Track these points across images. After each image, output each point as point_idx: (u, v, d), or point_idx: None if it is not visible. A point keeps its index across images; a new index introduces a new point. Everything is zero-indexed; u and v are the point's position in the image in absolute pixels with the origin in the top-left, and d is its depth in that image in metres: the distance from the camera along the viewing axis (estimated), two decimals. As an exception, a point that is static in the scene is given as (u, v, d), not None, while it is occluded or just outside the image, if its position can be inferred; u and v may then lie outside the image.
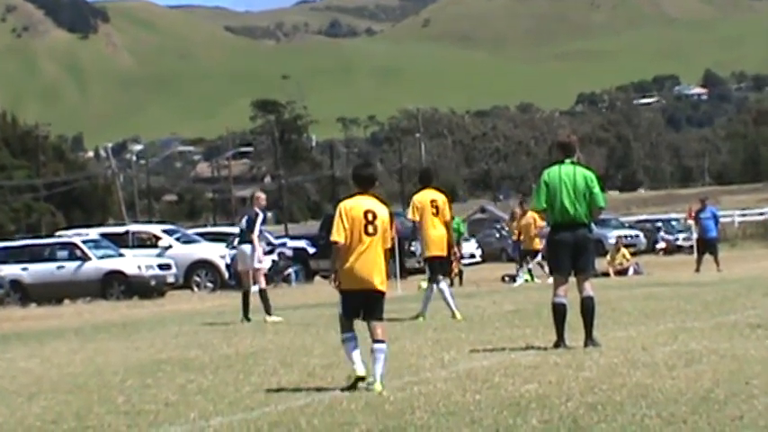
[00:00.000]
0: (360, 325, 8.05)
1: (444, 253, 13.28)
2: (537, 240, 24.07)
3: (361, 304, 7.89)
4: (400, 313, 13.58)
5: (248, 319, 14.54)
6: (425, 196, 13.27)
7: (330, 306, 17.23)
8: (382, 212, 7.99)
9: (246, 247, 14.92)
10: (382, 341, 7.84)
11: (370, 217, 7.88)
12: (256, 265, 14.81)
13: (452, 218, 14.10)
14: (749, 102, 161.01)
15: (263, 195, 15.35)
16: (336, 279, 7.97)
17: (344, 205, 7.98)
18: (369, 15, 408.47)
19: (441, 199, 13.29)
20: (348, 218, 7.88)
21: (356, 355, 7.86)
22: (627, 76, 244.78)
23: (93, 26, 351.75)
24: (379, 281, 7.87)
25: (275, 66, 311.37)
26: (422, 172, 14.33)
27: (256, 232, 14.87)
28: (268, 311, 14.56)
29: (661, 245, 43.04)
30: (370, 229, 7.87)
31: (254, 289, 14.71)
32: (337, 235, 7.88)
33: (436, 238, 13.18)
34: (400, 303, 13.75)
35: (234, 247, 15.25)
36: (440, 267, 13.45)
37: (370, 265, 7.85)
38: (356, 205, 7.93)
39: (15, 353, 12.24)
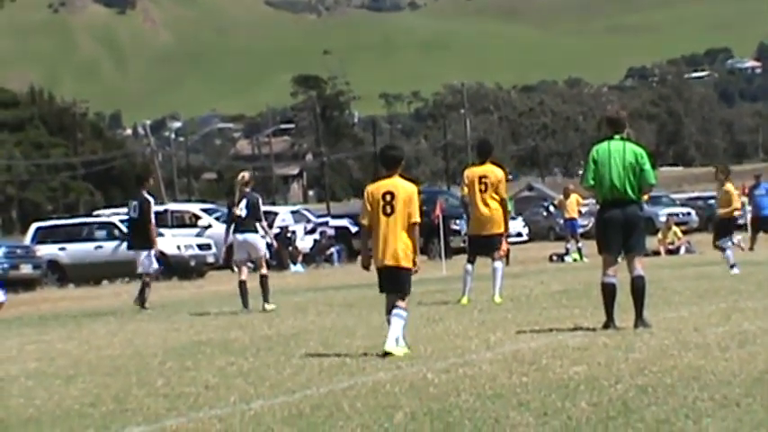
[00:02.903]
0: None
1: (488, 232, 12.72)
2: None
3: (387, 280, 8.58)
4: (445, 294, 13.42)
5: (247, 307, 13.95)
6: (475, 171, 12.81)
7: (373, 287, 17.10)
8: (402, 192, 8.57)
9: (252, 236, 14.01)
10: (399, 307, 8.53)
11: (388, 198, 8.54)
12: (262, 253, 14.14)
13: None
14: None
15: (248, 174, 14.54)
16: (364, 260, 8.73)
17: (368, 189, 8.70)
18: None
19: (493, 175, 12.70)
20: (370, 200, 8.60)
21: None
22: (678, 49, 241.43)
23: (130, 1, 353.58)
24: (398, 258, 8.50)
25: (316, 41, 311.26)
26: (478, 145, 13.73)
27: (263, 219, 14.09)
28: (266, 299, 13.92)
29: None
30: (388, 209, 8.52)
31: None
32: (362, 218, 8.68)
33: (479, 216, 12.71)
34: (445, 284, 13.59)
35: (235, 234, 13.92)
36: (480, 247, 12.94)
37: (390, 243, 8.50)
38: (377, 188, 8.62)
39: (53, 335, 12.29)
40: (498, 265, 12.84)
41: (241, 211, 14.04)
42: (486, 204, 12.68)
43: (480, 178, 12.70)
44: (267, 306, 13.84)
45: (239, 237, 14.08)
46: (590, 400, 6.18)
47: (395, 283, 8.57)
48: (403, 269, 8.53)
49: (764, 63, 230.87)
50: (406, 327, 8.72)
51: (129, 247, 16.04)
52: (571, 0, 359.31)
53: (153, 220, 15.58)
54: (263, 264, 14.17)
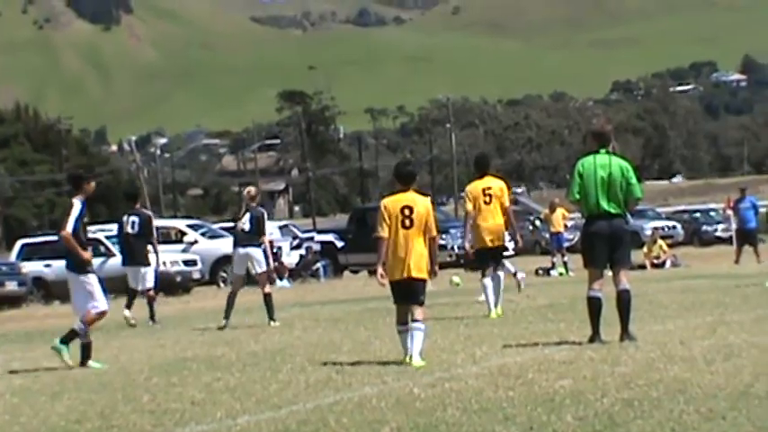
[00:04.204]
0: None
1: (495, 244, 12.81)
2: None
3: (404, 291, 8.84)
4: (431, 309, 13.39)
5: (227, 319, 13.74)
6: (477, 185, 12.88)
7: (359, 302, 17.11)
8: (419, 206, 8.89)
9: (254, 251, 13.81)
10: (419, 320, 8.83)
11: (406, 212, 8.83)
12: (262, 269, 13.90)
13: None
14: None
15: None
16: (384, 272, 8.92)
17: (385, 202, 8.96)
18: (397, 3, 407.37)
19: (496, 186, 12.85)
20: (387, 214, 8.84)
21: (409, 345, 8.81)
22: (663, 62, 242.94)
23: (115, 17, 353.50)
24: (417, 269, 8.79)
25: (302, 56, 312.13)
26: (476, 159, 13.73)
27: (267, 234, 14.20)
28: (272, 316, 13.72)
29: None
30: (407, 222, 8.82)
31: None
32: (380, 231, 8.89)
33: (487, 228, 12.76)
34: (431, 299, 13.52)
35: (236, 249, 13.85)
36: (491, 258, 12.99)
37: (409, 255, 8.78)
38: (395, 201, 8.89)
39: (38, 351, 12.21)
40: (502, 274, 12.94)
41: (244, 224, 13.92)
42: (493, 216, 12.78)
43: (484, 191, 12.81)
44: (273, 323, 13.64)
45: (241, 250, 13.93)
46: (576, 413, 6.18)
47: (414, 294, 8.86)
48: (422, 280, 8.88)
49: (749, 76, 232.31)
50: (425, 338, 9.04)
51: (124, 264, 15.83)
52: (556, 14, 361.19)
53: (155, 236, 15.64)
54: (266, 281, 13.96)
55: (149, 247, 15.63)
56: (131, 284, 15.77)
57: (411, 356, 8.77)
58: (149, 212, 15.84)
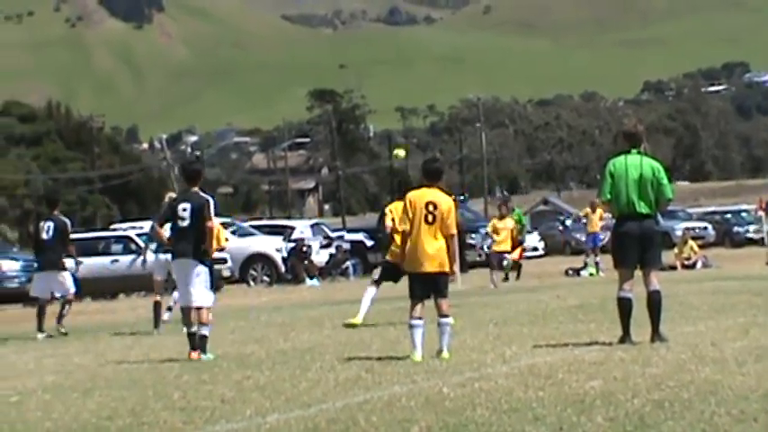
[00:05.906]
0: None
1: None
2: None
3: (426, 285, 9.00)
4: (461, 309, 13.38)
5: (158, 329, 13.87)
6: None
7: (388, 301, 17.13)
8: (443, 204, 9.07)
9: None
10: (447, 315, 9.05)
11: (430, 207, 9.02)
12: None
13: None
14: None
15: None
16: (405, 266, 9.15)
17: (410, 196, 9.15)
18: (428, 2, 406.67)
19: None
20: (412, 208, 9.03)
21: (418, 341, 8.93)
22: (695, 62, 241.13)
23: (147, 16, 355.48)
24: (439, 264, 8.97)
25: (333, 55, 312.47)
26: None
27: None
28: (157, 324, 13.91)
29: None
30: (430, 218, 9.01)
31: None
32: (402, 223, 9.12)
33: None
34: (460, 298, 13.55)
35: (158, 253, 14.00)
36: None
37: (431, 249, 8.96)
38: (420, 196, 9.08)
39: (70, 348, 12.33)
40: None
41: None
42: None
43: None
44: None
45: (161, 256, 13.93)
46: (606, 414, 6.15)
47: (438, 288, 9.06)
48: (445, 274, 9.10)
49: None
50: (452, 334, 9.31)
51: (38, 270, 15.60)
52: (585, 14, 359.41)
53: (71, 243, 15.47)
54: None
55: (70, 253, 15.34)
56: (34, 292, 15.44)
57: (442, 350, 8.99)
58: (66, 219, 15.44)
